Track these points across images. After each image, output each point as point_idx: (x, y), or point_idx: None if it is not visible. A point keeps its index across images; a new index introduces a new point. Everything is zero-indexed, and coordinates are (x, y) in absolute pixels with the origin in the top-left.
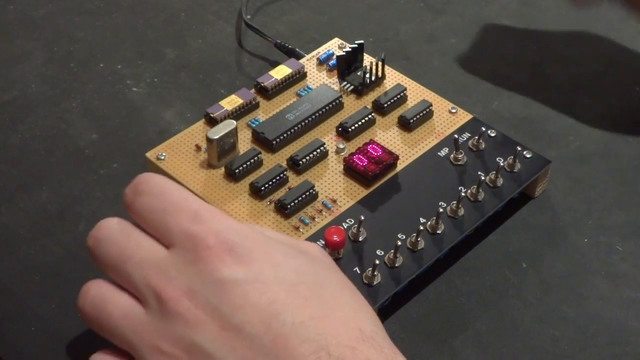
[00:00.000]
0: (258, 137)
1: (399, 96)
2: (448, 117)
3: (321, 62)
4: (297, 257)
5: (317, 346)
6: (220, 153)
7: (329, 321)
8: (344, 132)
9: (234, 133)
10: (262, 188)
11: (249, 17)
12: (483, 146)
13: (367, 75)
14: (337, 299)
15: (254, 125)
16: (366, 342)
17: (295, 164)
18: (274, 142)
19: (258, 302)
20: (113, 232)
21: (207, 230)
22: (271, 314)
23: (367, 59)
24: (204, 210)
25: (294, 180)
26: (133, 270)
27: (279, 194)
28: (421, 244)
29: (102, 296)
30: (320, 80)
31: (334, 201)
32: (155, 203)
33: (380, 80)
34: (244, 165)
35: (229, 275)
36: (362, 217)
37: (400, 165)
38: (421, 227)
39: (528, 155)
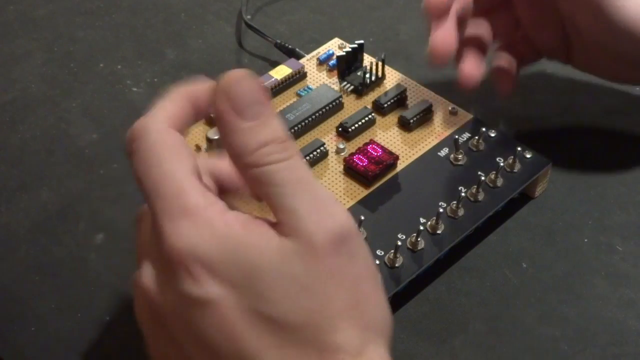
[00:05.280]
0: None
1: (399, 96)
2: (448, 117)
3: (321, 62)
4: (258, 275)
5: None
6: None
7: (288, 349)
8: (344, 132)
9: None
10: None
11: (249, 17)
12: (483, 146)
13: (367, 75)
14: (298, 314)
15: None
16: None
17: None
18: None
19: (219, 326)
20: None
21: (172, 232)
22: (235, 348)
23: (367, 59)
24: (175, 201)
25: None
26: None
27: None
28: (421, 244)
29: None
30: (320, 80)
31: None
32: (140, 174)
33: (380, 80)
34: None
35: (191, 293)
36: (362, 217)
37: (400, 165)
38: (421, 227)
39: (528, 156)
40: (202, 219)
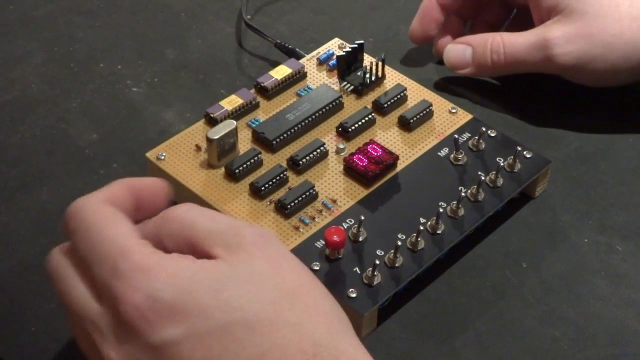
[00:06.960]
0: (258, 137)
1: (399, 96)
2: (448, 117)
3: (321, 62)
4: (227, 286)
5: None
6: (220, 153)
7: (268, 356)
8: (344, 132)
9: (234, 133)
10: (262, 188)
11: (249, 17)
12: (483, 146)
13: (367, 75)
14: (275, 321)
15: (254, 125)
16: None
17: (295, 164)
18: (274, 142)
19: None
20: (54, 275)
21: (126, 289)
22: None
23: (367, 59)
24: (121, 260)
25: (294, 180)
26: (74, 319)
27: (279, 194)
28: (421, 244)
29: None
30: (320, 80)
31: (334, 201)
32: (81, 247)
33: (380, 80)
34: (244, 166)
35: (157, 339)
36: (362, 217)
37: (400, 165)
38: (421, 227)
39: (528, 155)
40: (150, 267)
